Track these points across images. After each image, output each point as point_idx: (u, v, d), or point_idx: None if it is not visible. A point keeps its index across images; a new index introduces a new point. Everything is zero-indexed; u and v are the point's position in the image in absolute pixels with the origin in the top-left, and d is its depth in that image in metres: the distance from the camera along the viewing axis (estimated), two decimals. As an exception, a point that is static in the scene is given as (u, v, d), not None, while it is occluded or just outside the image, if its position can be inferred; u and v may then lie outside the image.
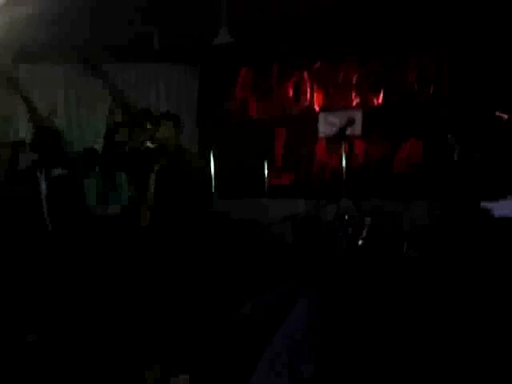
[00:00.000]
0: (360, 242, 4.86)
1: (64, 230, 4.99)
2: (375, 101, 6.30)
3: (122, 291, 4.65)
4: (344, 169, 5.66)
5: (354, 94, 6.43)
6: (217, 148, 6.25)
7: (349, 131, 5.70)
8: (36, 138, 5.24)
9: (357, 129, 6.08)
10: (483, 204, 4.42)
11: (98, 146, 6.00)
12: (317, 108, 6.69)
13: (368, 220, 5.00)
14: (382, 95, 6.26)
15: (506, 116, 5.38)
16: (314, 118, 6.65)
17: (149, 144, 4.62)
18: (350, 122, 5.76)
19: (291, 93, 6.84)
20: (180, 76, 7.45)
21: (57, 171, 5.02)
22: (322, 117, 6.57)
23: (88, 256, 5.12)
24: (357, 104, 6.39)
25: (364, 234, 4.89)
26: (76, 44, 6.53)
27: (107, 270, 5.00)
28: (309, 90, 6.72)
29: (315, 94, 6.69)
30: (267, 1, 5.42)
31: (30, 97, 6.38)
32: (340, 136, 5.69)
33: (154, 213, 4.57)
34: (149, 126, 4.82)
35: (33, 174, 5.03)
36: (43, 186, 4.94)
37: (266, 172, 6.25)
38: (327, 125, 6.45)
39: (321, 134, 6.59)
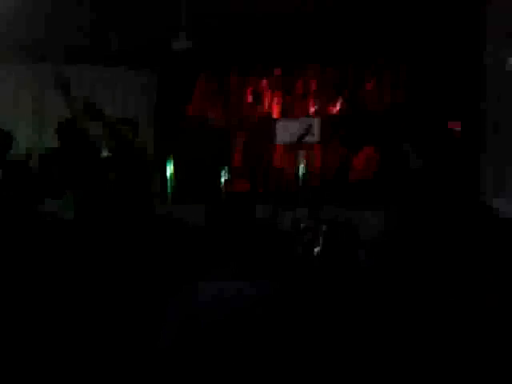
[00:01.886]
0: (316, 250, 4.86)
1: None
2: (333, 109, 6.35)
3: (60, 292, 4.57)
4: (301, 176, 5.67)
5: (311, 102, 6.46)
6: (174, 153, 6.19)
7: (306, 139, 5.72)
8: None
9: (314, 136, 6.11)
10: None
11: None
12: (275, 115, 6.70)
13: (324, 228, 5.01)
14: (339, 104, 6.31)
15: (458, 127, 5.51)
16: (272, 124, 6.66)
17: (104, 153, 4.55)
18: (308, 130, 5.79)
19: (250, 99, 6.84)
20: (138, 80, 7.36)
21: None
22: (279, 124, 6.59)
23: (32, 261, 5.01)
24: (314, 112, 6.43)
25: (320, 242, 4.90)
26: (31, 45, 6.40)
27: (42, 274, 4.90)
28: (267, 97, 6.73)
29: (273, 101, 6.70)
30: (227, 6, 5.42)
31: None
32: (297, 143, 5.71)
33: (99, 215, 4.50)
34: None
35: None
36: None
37: (223, 178, 6.21)
38: (285, 132, 6.47)
39: (278, 141, 6.60)
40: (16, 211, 4.93)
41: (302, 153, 5.64)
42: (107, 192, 4.52)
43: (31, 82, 7.04)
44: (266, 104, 6.74)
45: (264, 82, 6.77)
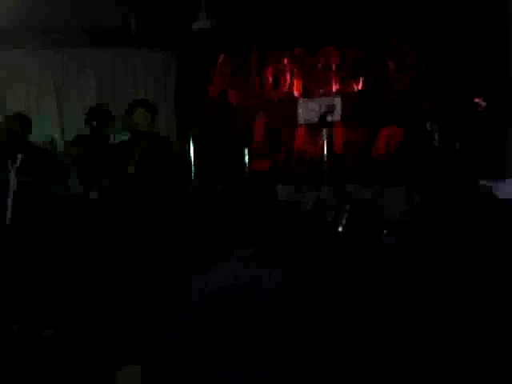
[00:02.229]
0: (340, 229, 4.85)
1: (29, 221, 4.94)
2: (355, 87, 6.27)
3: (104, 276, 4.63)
4: (323, 155, 5.64)
5: (333, 81, 6.39)
6: (195, 134, 6.18)
7: (329, 118, 5.68)
8: (5, 124, 5.15)
9: (336, 115, 6.06)
10: (483, 183, 4.43)
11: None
12: (296, 94, 6.65)
13: (347, 207, 4.99)
14: (361, 82, 6.24)
15: (483, 102, 5.41)
16: (293, 104, 6.61)
17: (122, 137, 4.57)
18: (331, 109, 5.74)
19: (270, 79, 6.79)
20: (158, 61, 7.36)
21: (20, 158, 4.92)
22: (301, 103, 6.55)
23: (64, 242, 5.09)
24: (336, 90, 6.36)
25: (344, 221, 4.88)
26: (51, 27, 6.42)
27: (86, 255, 4.97)
28: (288, 76, 6.67)
29: (295, 81, 6.64)
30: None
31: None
32: (320, 123, 5.67)
33: (133, 199, 4.53)
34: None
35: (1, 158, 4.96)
36: (12, 174, 4.86)
37: (246, 158, 6.20)
38: (307, 111, 6.43)
39: (300, 121, 6.56)
40: (38, 193, 5.00)
41: (324, 132, 5.59)
42: (131, 176, 4.53)
43: (53, 65, 7.07)
44: (287, 83, 6.68)
45: (285, 61, 6.71)
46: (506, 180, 4.43)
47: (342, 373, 2.33)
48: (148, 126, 4.48)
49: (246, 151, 6.18)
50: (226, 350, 2.11)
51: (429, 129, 5.43)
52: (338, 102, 6.15)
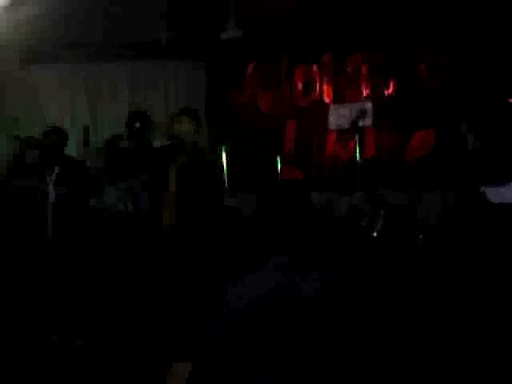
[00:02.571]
0: (375, 235, 4.82)
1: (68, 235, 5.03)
2: (386, 91, 6.23)
3: (140, 289, 4.67)
4: (356, 161, 5.61)
5: (363, 85, 6.36)
6: (227, 143, 6.22)
7: (360, 123, 5.65)
8: (43, 136, 5.28)
9: (368, 120, 6.03)
10: (482, 189, 4.37)
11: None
12: (327, 100, 6.64)
13: (381, 212, 4.96)
14: (392, 85, 6.20)
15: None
16: (324, 110, 6.60)
17: (162, 142, 4.56)
18: (362, 114, 5.72)
19: (300, 86, 6.79)
20: (188, 72, 7.43)
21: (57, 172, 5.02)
22: (332, 109, 6.53)
23: (102, 255, 5.15)
24: (367, 95, 6.33)
25: (378, 227, 4.85)
26: (84, 42, 6.54)
27: (122, 268, 5.03)
28: (318, 82, 6.67)
29: (325, 87, 6.64)
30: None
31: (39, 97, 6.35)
32: (352, 128, 5.65)
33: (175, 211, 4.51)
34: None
35: (38, 171, 5.08)
36: (50, 186, 4.96)
37: (278, 166, 6.21)
38: (338, 117, 6.41)
39: (331, 127, 6.54)
40: (76, 205, 5.09)
41: (356, 137, 5.57)
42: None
43: (87, 79, 7.20)
44: (317, 90, 6.68)
45: (314, 67, 6.71)
46: (500, 184, 4.34)
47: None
48: (192, 136, 4.45)
49: (278, 159, 6.18)
50: (265, 358, 2.12)
51: (462, 131, 5.37)
52: (369, 106, 6.11)
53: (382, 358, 2.48)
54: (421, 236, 4.77)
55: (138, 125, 6.06)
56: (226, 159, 6.03)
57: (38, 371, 3.97)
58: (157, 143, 4.72)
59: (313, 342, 2.11)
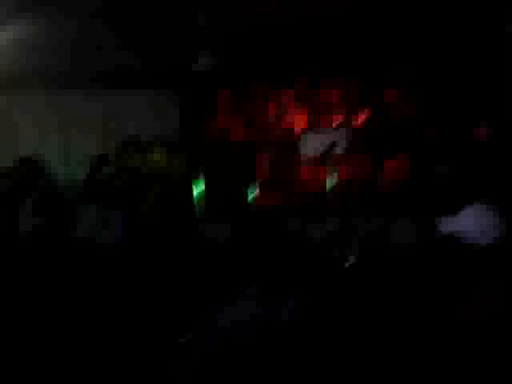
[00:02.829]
0: (347, 263, 4.82)
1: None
2: (358, 120, 6.31)
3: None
4: (329, 188, 5.65)
5: (336, 113, 6.44)
6: (202, 172, 6.21)
7: (333, 151, 5.70)
8: (13, 168, 5.21)
9: (340, 148, 6.08)
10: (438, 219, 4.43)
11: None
12: (299, 128, 6.68)
13: (355, 240, 4.97)
14: (364, 114, 6.28)
15: (487, 131, 5.43)
16: (296, 138, 6.65)
17: (141, 169, 4.56)
18: (335, 142, 5.77)
19: (273, 114, 6.84)
20: (162, 100, 7.43)
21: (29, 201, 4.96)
22: (305, 136, 6.58)
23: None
24: (339, 124, 6.40)
25: (352, 254, 4.86)
26: (57, 70, 6.51)
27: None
28: (290, 110, 6.72)
29: (297, 115, 6.69)
30: (246, 20, 5.44)
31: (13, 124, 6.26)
32: (324, 155, 5.69)
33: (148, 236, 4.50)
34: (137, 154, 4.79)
35: (10, 202, 5.00)
36: (22, 218, 4.89)
37: (251, 193, 6.21)
38: (311, 144, 6.45)
39: (304, 154, 6.58)
40: (54, 237, 5.02)
41: (328, 165, 5.61)
42: (147, 215, 4.52)
43: (60, 107, 7.16)
44: (290, 118, 6.73)
45: (287, 94, 6.77)
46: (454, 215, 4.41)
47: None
48: (164, 165, 4.46)
49: (252, 186, 6.19)
50: (246, 380, 2.12)
51: (432, 160, 5.45)
52: (341, 134, 6.18)
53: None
54: (393, 264, 4.79)
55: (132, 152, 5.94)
56: (201, 188, 6.02)
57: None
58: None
59: (289, 367, 2.12)
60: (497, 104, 5.38)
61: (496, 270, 2.47)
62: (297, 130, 6.69)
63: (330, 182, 5.62)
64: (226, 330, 2.15)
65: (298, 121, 6.68)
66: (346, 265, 4.73)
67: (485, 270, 2.46)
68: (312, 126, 6.61)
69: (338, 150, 6.09)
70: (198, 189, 6.07)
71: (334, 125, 6.44)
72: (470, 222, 2.36)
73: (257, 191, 6.36)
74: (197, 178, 6.13)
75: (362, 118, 6.29)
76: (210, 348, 2.13)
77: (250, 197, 6.21)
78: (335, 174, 5.72)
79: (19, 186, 5.07)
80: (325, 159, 5.71)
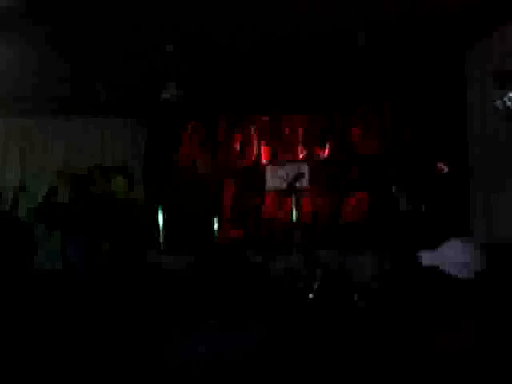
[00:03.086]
0: (311, 295, 4.82)
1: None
2: (321, 154, 6.39)
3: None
4: (293, 221, 5.66)
5: (300, 148, 6.51)
6: (164, 201, 6.17)
7: (297, 184, 5.74)
8: None
9: (304, 182, 6.13)
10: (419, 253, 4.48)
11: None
12: (264, 161, 6.73)
13: (318, 272, 4.98)
14: (327, 148, 6.36)
15: (446, 168, 5.54)
16: (261, 171, 6.69)
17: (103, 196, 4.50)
18: (298, 176, 5.81)
19: (238, 146, 6.88)
20: (126, 130, 7.40)
21: None
22: (269, 170, 6.62)
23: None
24: (303, 157, 6.47)
25: (315, 287, 4.86)
26: (18, 96, 6.43)
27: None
28: (255, 143, 6.78)
29: (262, 148, 6.75)
30: (214, 56, 5.50)
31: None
32: (288, 189, 5.72)
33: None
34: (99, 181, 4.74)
35: None
36: None
37: (214, 225, 6.19)
38: (275, 178, 6.49)
39: (268, 187, 6.61)
40: (7, 266, 4.88)
41: (293, 198, 5.64)
42: (100, 243, 4.47)
43: (20, 133, 7.06)
44: (255, 151, 6.78)
45: (252, 129, 6.83)
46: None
47: None
48: (125, 194, 4.43)
49: (215, 219, 6.17)
50: None
51: (394, 194, 5.51)
52: (305, 168, 6.23)
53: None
54: (356, 295, 4.81)
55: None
56: (162, 218, 5.97)
57: None
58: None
59: None
60: (455, 141, 5.52)
61: (474, 304, 2.49)
62: (262, 162, 6.73)
63: (295, 213, 5.63)
64: (186, 357, 2.11)
65: (263, 153, 6.73)
66: (310, 296, 4.73)
67: (464, 304, 2.47)
68: (277, 159, 6.66)
69: (302, 184, 6.13)
70: (159, 219, 6.01)
71: (298, 157, 6.50)
72: (453, 255, 2.38)
73: (221, 222, 6.34)
74: (159, 208, 6.08)
75: (325, 151, 6.37)
76: (170, 375, 2.09)
77: (214, 227, 6.18)
78: (299, 206, 5.74)
79: None
80: (289, 191, 5.73)
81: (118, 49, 5.20)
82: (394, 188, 5.57)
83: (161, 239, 5.79)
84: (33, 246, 5.19)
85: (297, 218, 5.64)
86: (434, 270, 3.42)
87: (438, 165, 5.61)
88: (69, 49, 5.17)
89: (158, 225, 5.81)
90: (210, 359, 2.09)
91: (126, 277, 4.41)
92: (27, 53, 5.15)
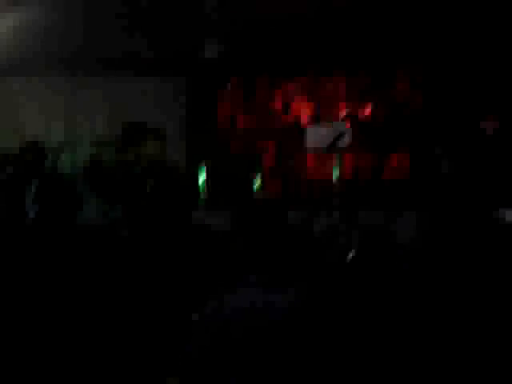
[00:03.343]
0: (350, 255, 4.82)
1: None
2: (363, 112, 6.29)
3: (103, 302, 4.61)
4: (333, 181, 5.63)
5: (342, 106, 6.42)
6: (205, 161, 6.20)
7: (338, 144, 5.68)
8: (20, 153, 5.21)
9: (345, 141, 6.06)
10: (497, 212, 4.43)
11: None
12: (304, 120, 6.66)
13: (358, 232, 4.97)
14: (370, 107, 6.26)
15: (490, 126, 5.41)
16: (301, 130, 6.62)
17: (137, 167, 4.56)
18: (340, 135, 5.74)
19: (279, 105, 6.81)
20: (168, 88, 7.40)
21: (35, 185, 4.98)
22: (310, 129, 6.54)
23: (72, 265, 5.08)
24: (345, 116, 6.38)
25: (355, 247, 4.85)
26: (64, 56, 6.50)
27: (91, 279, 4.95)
28: (297, 102, 6.70)
29: (303, 106, 6.67)
30: (255, 11, 5.43)
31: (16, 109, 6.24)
32: (330, 148, 5.67)
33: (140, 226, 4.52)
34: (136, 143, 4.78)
35: (15, 187, 5.00)
36: (29, 203, 4.90)
37: (255, 184, 6.21)
38: (315, 137, 6.42)
39: (309, 147, 6.55)
40: (55, 222, 5.02)
41: (334, 158, 5.60)
42: (143, 203, 4.53)
43: (65, 92, 7.14)
44: (295, 109, 6.71)
45: (293, 87, 6.74)
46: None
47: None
48: (159, 156, 4.46)
49: (256, 177, 6.18)
50: (241, 369, 2.14)
51: (437, 154, 5.43)
52: (346, 127, 6.14)
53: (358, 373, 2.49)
54: (396, 256, 4.79)
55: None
56: (204, 176, 6.01)
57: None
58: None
59: (286, 357, 2.14)
60: (503, 97, 5.37)
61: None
62: (302, 121, 6.67)
63: (335, 173, 5.60)
64: (227, 315, 2.16)
65: (304, 111, 6.66)
66: (349, 256, 4.73)
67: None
68: (317, 118, 6.59)
69: (343, 143, 6.06)
70: (201, 177, 6.05)
71: (339, 116, 6.41)
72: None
73: (261, 180, 6.35)
74: (201, 166, 6.12)
75: (367, 110, 6.27)
76: (212, 333, 2.14)
77: (254, 186, 6.20)
78: (340, 166, 5.70)
79: (26, 171, 5.07)
80: (330, 151, 5.69)
81: (160, 5, 5.20)
82: (436, 148, 5.48)
83: (201, 197, 5.84)
84: (76, 203, 5.32)
85: (337, 178, 5.61)
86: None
87: (483, 124, 5.48)
88: (111, 6, 5.18)
89: (199, 185, 5.86)
90: (251, 315, 2.13)
91: (169, 234, 4.48)
92: (72, 10, 5.19)
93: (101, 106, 7.22)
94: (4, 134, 6.57)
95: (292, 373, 2.13)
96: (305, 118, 6.67)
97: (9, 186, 5.13)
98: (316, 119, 6.61)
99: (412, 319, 3.74)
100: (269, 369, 2.12)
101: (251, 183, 6.21)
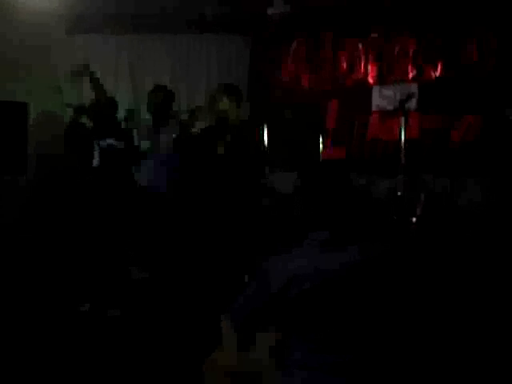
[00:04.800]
0: (414, 220, 4.75)
1: (111, 204, 5.08)
2: (432, 74, 6.09)
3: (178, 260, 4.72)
4: (399, 144, 5.51)
5: (410, 67, 6.23)
6: (268, 120, 6.16)
7: (407, 105, 5.53)
8: (95, 105, 5.33)
9: (413, 103, 5.89)
10: None
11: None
12: (371, 80, 6.51)
13: (422, 196, 4.88)
14: (439, 68, 6.05)
15: None
16: (367, 90, 6.48)
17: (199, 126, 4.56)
18: (408, 96, 5.58)
19: (345, 64, 6.67)
20: (232, 47, 7.36)
21: (109, 141, 5.09)
22: (376, 90, 6.40)
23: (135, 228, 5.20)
24: (413, 77, 6.20)
25: (418, 211, 4.78)
26: (127, 13, 6.56)
27: (158, 243, 5.07)
28: (363, 61, 6.54)
29: (369, 66, 6.51)
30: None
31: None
32: (398, 110, 5.54)
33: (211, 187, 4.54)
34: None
35: (89, 142, 5.13)
36: (96, 156, 5.02)
37: (320, 145, 6.14)
38: (382, 98, 6.29)
39: (375, 108, 6.42)
40: (120, 179, 5.14)
41: (401, 120, 5.46)
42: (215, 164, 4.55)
43: (129, 51, 7.21)
44: (362, 69, 6.56)
45: (359, 46, 6.58)
46: None
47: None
48: (233, 114, 4.42)
49: (320, 138, 6.12)
50: (305, 332, 2.18)
51: (508, 118, 5.25)
52: (414, 88, 5.97)
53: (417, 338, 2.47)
54: (458, 223, 4.70)
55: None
56: (267, 137, 5.98)
57: (67, 340, 4.03)
58: (195, 130, 4.69)
59: (347, 316, 2.17)
60: None
61: None
62: (369, 80, 6.52)
63: (401, 136, 5.47)
64: (290, 272, 2.19)
65: (371, 72, 6.50)
66: (413, 220, 4.66)
67: None
68: (384, 78, 6.42)
69: (411, 105, 5.90)
70: (264, 138, 6.03)
71: (408, 77, 6.23)
72: None
73: (325, 143, 6.28)
74: (264, 127, 6.09)
75: (437, 71, 6.06)
76: (276, 289, 2.18)
77: (319, 148, 6.14)
78: (406, 129, 5.55)
79: (101, 124, 5.19)
80: (398, 112, 5.55)
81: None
82: (507, 111, 5.28)
83: (264, 158, 5.82)
84: (138, 159, 5.39)
85: (403, 140, 5.48)
86: None
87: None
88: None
89: (264, 145, 5.83)
90: (313, 274, 2.15)
91: (236, 196, 4.50)
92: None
93: (164, 64, 7.27)
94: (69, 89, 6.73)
95: (356, 328, 2.17)
96: (371, 77, 6.51)
97: (82, 135, 5.28)
98: (383, 79, 6.45)
99: (471, 285, 3.69)
100: (332, 323, 2.15)
101: (315, 144, 6.15)
